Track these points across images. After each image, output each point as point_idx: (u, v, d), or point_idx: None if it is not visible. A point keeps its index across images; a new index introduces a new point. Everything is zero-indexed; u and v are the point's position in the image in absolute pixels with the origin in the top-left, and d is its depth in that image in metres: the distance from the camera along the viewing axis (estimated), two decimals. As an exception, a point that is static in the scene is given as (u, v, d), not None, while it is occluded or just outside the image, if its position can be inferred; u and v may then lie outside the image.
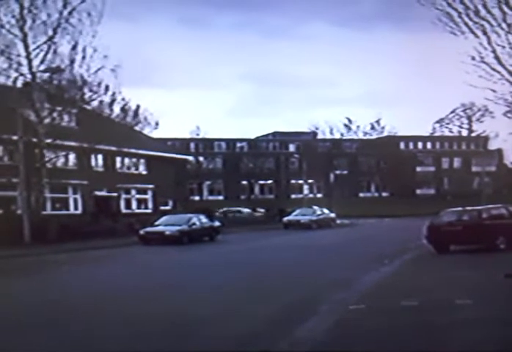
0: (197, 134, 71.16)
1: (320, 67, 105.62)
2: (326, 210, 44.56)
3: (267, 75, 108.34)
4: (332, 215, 45.02)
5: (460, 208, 20.47)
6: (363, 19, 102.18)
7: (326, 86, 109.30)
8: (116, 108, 33.85)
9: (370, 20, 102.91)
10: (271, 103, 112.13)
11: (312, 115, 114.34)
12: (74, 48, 28.80)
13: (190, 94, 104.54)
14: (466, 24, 25.63)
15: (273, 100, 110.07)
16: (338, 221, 44.76)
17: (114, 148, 34.27)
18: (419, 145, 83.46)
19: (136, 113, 43.81)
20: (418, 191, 78.74)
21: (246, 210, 51.29)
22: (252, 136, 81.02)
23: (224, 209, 50.11)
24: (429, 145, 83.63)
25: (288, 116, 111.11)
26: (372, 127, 77.78)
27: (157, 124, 48.44)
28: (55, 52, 28.76)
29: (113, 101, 32.50)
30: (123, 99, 33.24)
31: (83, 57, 28.92)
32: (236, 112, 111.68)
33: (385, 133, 78.38)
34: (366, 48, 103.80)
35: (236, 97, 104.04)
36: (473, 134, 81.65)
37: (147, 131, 45.36)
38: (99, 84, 30.28)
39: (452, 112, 79.34)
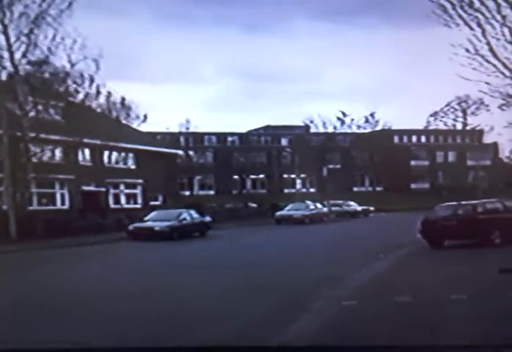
0: (187, 128, 70.46)
1: (306, 61, 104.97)
2: (319, 205, 44.19)
3: (251, 69, 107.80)
4: (325, 210, 44.66)
5: (454, 202, 20.19)
6: (345, 13, 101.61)
7: (314, 80, 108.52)
8: (102, 100, 33.20)
9: (353, 14, 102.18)
10: (259, 97, 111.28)
11: (303, 109, 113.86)
12: (54, 39, 28.21)
13: (174, 88, 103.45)
14: (460, 16, 25.25)
15: (260, 95, 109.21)
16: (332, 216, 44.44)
17: (101, 142, 33.62)
18: (414, 139, 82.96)
19: (122, 105, 43.12)
20: (412, 185, 78.36)
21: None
22: (243, 130, 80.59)
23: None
24: (423, 139, 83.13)
25: (278, 111, 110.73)
26: (367, 121, 77.31)
27: (145, 117, 47.86)
28: (36, 44, 28.20)
29: (98, 93, 31.86)
30: (109, 92, 32.59)
31: (64, 48, 28.37)
32: (224, 106, 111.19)
33: (379, 127, 78.04)
34: (351, 42, 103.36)
35: (222, 91, 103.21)
36: (468, 128, 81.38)
37: (135, 125, 44.77)
38: (82, 76, 29.70)
39: (447, 105, 78.94)
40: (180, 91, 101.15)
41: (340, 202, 50.53)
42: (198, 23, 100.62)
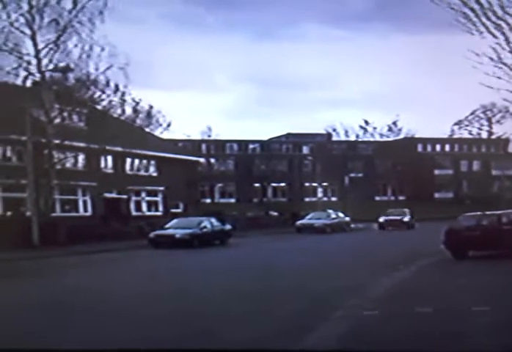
0: (209, 135, 70.67)
1: (320, 67, 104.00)
2: (340, 214, 43.89)
3: (266, 76, 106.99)
4: (347, 219, 44.35)
5: (479, 212, 19.89)
6: (355, 19, 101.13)
7: (330, 86, 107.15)
8: (128, 109, 33.38)
9: (365, 20, 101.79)
10: (275, 105, 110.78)
11: (322, 117, 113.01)
12: (83, 46, 28.48)
13: (189, 95, 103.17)
14: (483, 24, 24.99)
15: (277, 102, 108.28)
16: (353, 226, 44.08)
17: (123, 149, 33.84)
18: (438, 147, 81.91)
19: (148, 114, 43.31)
20: (436, 195, 77.47)
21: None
22: (265, 138, 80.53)
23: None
24: (447, 147, 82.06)
25: (297, 118, 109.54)
26: (390, 129, 76.77)
27: (169, 125, 48.00)
28: (64, 51, 28.47)
29: (123, 101, 32.05)
30: (133, 99, 32.78)
31: (89, 56, 28.59)
32: (241, 114, 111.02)
33: (402, 135, 77.38)
34: (365, 48, 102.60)
35: (238, 98, 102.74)
36: (493, 136, 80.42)
37: (157, 132, 44.96)
38: (107, 83, 29.92)
39: (472, 114, 78.18)
40: (195, 98, 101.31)
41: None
42: (209, 30, 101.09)
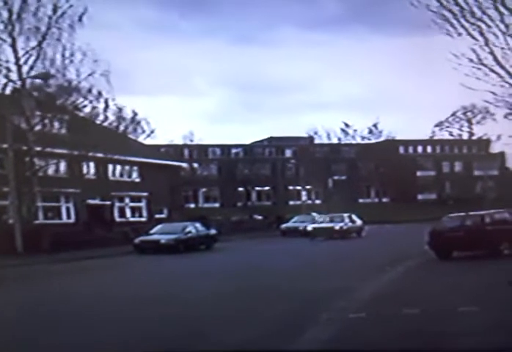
0: (191, 140, 70.46)
1: (298, 71, 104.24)
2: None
3: (244, 80, 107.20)
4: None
5: (462, 213, 20.03)
6: (334, 23, 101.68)
7: (310, 90, 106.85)
8: (110, 115, 33.18)
9: (342, 24, 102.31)
10: (256, 109, 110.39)
11: (304, 120, 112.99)
12: (63, 53, 28.30)
13: (169, 100, 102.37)
14: (462, 26, 25.21)
15: (257, 106, 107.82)
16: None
17: (105, 155, 33.65)
18: (419, 149, 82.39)
19: (132, 120, 43.12)
20: (419, 196, 77.94)
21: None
22: (247, 142, 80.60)
23: None
24: (429, 149, 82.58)
25: (278, 122, 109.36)
26: (370, 132, 77.15)
27: (152, 131, 47.84)
28: (44, 57, 28.26)
29: (107, 107, 31.89)
30: (117, 106, 32.59)
31: (71, 62, 28.42)
32: (224, 118, 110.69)
33: (383, 138, 77.87)
34: (344, 52, 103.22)
35: (218, 103, 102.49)
36: (474, 137, 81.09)
37: (141, 138, 44.80)
38: (90, 90, 29.74)
39: (453, 115, 78.73)
40: (175, 103, 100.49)
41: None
42: (185, 35, 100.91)
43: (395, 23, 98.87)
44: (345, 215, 37.08)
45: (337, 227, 35.17)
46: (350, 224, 36.28)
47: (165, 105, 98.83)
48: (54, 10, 28.32)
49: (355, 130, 76.37)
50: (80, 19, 28.23)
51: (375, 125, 76.70)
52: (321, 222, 37.11)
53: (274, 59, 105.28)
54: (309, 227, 35.87)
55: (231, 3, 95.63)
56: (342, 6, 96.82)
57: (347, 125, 75.74)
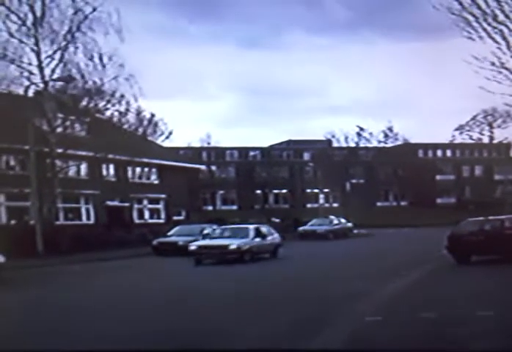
0: (208, 143, 70.72)
1: (310, 75, 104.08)
2: (342, 220, 43.88)
3: (256, 84, 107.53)
4: (349, 225, 44.30)
5: (482, 217, 19.90)
6: (342, 27, 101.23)
7: (322, 94, 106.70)
8: (131, 118, 33.48)
9: (351, 28, 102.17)
10: (267, 113, 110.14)
11: (320, 123, 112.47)
12: (89, 57, 28.56)
13: (181, 104, 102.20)
14: (484, 29, 25.09)
15: (268, 110, 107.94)
16: (355, 231, 44.02)
17: (125, 157, 33.93)
18: (439, 153, 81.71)
19: (150, 122, 43.49)
20: (438, 200, 77.37)
21: None
22: (264, 145, 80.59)
23: None
24: (449, 153, 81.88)
25: (294, 125, 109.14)
26: (386, 135, 76.76)
27: (170, 133, 48.12)
28: (67, 61, 28.55)
29: (127, 111, 32.16)
30: (138, 109, 32.88)
31: (94, 66, 28.70)
32: (236, 122, 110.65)
33: (399, 141, 77.38)
34: (353, 56, 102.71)
35: (230, 106, 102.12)
36: (494, 141, 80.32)
37: (159, 140, 45.06)
38: (113, 94, 30.00)
39: (473, 119, 77.98)
40: (188, 107, 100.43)
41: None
42: (194, 41, 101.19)
43: (405, 27, 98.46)
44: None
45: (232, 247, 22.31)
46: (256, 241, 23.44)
47: (178, 109, 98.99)
48: (76, 14, 28.64)
49: (371, 134, 76.10)
50: (102, 23, 28.47)
51: (390, 129, 76.35)
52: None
53: (284, 63, 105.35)
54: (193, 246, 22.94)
55: (240, 8, 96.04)
56: (352, 11, 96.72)
57: (361, 129, 75.46)
